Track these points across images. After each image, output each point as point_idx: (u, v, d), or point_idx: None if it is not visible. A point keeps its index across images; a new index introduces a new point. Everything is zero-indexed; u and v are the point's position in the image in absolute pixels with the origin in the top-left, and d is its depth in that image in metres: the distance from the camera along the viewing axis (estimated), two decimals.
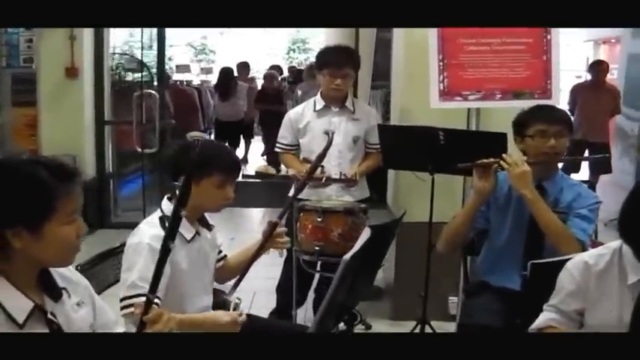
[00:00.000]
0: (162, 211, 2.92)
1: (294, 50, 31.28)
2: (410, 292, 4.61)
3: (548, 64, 4.46)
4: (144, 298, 2.19)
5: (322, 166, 4.06)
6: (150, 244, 2.74)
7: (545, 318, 2.64)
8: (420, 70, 4.63)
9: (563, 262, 2.67)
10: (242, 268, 3.14)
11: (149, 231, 2.82)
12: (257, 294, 5.23)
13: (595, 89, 8.80)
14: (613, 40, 13.50)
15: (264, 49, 28.44)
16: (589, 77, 9.21)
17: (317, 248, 3.98)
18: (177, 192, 2.62)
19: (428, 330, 4.35)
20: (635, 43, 9.90)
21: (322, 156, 3.33)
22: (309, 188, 4.30)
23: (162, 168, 3.58)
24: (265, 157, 11.97)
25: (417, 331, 4.34)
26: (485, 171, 3.34)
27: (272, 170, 4.27)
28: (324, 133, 3.72)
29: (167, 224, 2.22)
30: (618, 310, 2.50)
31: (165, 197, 2.98)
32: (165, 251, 2.10)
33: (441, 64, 4.48)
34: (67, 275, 2.14)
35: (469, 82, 4.47)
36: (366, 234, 2.40)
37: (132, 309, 2.49)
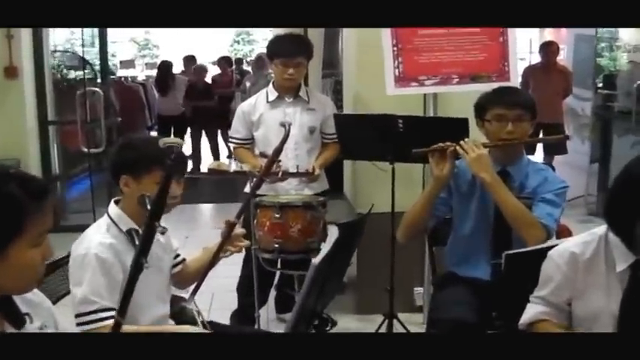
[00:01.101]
0: (109, 216, 2.75)
1: (238, 42, 31.12)
2: (374, 284, 4.50)
3: (504, 46, 4.35)
4: (111, 322, 2.05)
5: (279, 161, 3.90)
6: (97, 255, 2.59)
7: (535, 311, 2.54)
8: (374, 56, 4.49)
9: (538, 252, 2.57)
10: (201, 272, 2.97)
11: (96, 239, 2.65)
12: (216, 295, 5.07)
13: (546, 70, 8.80)
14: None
15: (209, 41, 28.14)
16: (534, 60, 9.20)
17: (276, 245, 3.83)
18: (146, 202, 2.47)
19: (396, 323, 4.24)
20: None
21: (279, 150, 3.18)
22: (265, 183, 4.15)
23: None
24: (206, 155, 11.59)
25: (385, 325, 4.23)
26: (442, 156, 3.23)
27: (225, 166, 4.11)
28: (281, 125, 3.56)
29: (135, 238, 2.04)
30: (606, 299, 2.41)
31: (112, 201, 2.80)
32: (137, 269, 1.92)
33: (395, 49, 4.34)
34: (29, 298, 1.92)
35: (425, 66, 4.34)
36: (333, 234, 2.25)
37: (91, 326, 2.46)
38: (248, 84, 10.37)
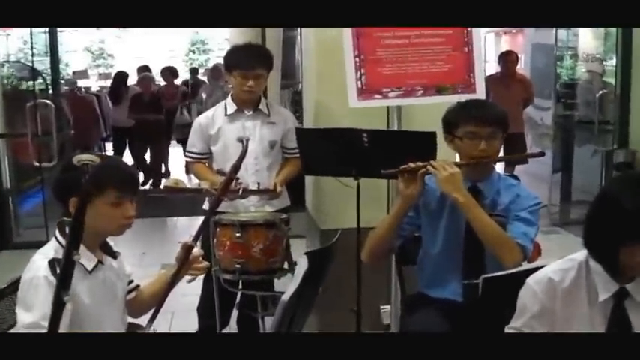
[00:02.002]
0: (57, 239, 2.58)
1: (193, 52, 30.85)
2: (339, 303, 4.34)
3: (470, 56, 4.23)
4: None
5: (237, 178, 3.74)
6: (46, 277, 2.44)
7: None
8: (335, 67, 4.34)
9: (517, 275, 2.45)
10: (158, 298, 2.79)
11: (44, 263, 2.48)
12: (175, 314, 4.88)
13: (506, 80, 8.76)
14: (514, 31, 13.61)
15: (164, 51, 27.85)
16: (488, 70, 9.19)
17: (238, 266, 3.69)
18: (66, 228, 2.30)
19: None
20: (539, 33, 9.93)
21: (237, 167, 3.02)
22: (224, 201, 3.98)
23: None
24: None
25: None
26: (412, 176, 3.10)
27: (182, 184, 3.94)
28: (238, 141, 3.40)
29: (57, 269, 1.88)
30: (589, 330, 2.28)
31: (58, 223, 2.62)
32: (59, 305, 1.75)
33: (358, 60, 4.20)
34: None
35: (389, 78, 4.20)
36: (302, 265, 2.09)
37: None
38: (204, 95, 10.17)
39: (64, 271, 1.75)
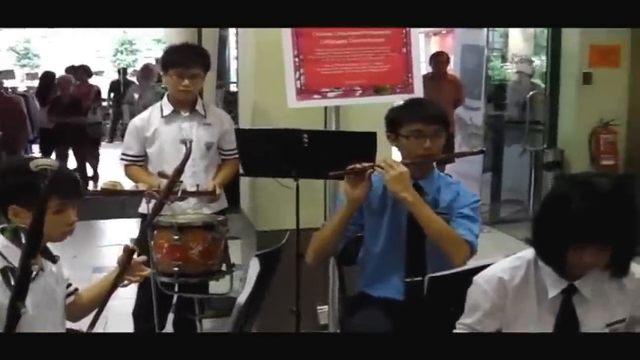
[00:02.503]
0: None
1: (121, 52, 30.45)
2: (277, 304, 4.30)
3: (408, 57, 4.25)
4: None
5: (180, 181, 3.67)
6: None
7: None
8: (273, 67, 4.32)
9: (462, 274, 2.46)
10: (98, 303, 2.72)
11: None
12: (110, 319, 4.75)
13: (437, 81, 8.82)
14: (444, 32, 13.75)
15: (91, 51, 27.41)
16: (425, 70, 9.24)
17: (176, 269, 3.62)
18: (21, 236, 2.21)
19: None
20: (469, 34, 10.03)
21: (180, 170, 2.96)
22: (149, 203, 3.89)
23: None
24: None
25: None
26: (359, 177, 3.08)
27: (121, 186, 3.85)
28: (181, 143, 3.34)
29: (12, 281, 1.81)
30: (539, 326, 2.32)
31: None
32: (13, 316, 1.68)
33: (297, 60, 4.17)
34: None
35: (327, 78, 4.18)
36: (255, 267, 2.06)
37: None
38: (136, 95, 10.03)
39: (20, 281, 1.67)
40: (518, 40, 10.53)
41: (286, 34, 4.10)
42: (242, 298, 1.91)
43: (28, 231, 1.69)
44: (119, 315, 4.55)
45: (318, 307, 4.69)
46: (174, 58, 4.16)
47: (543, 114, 8.30)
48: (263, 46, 4.55)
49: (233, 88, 11.07)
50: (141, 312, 4.22)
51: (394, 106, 3.36)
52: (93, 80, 12.16)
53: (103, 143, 11.21)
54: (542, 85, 9.00)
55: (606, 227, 2.13)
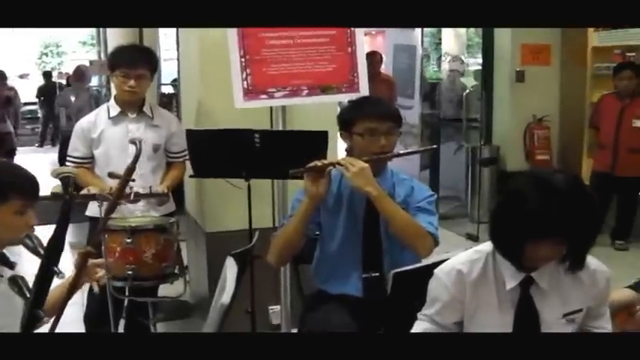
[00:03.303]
0: None
1: (46, 54, 29.81)
2: (232, 305, 4.29)
3: (353, 56, 4.29)
4: None
5: (133, 180, 3.63)
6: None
7: (421, 329, 2.46)
8: (218, 68, 4.31)
9: (426, 269, 2.50)
10: (56, 309, 2.67)
11: None
12: (61, 326, 4.67)
13: (371, 80, 8.79)
14: (374, 32, 13.82)
15: (16, 54, 26.76)
16: None
17: (129, 272, 3.59)
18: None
19: None
20: (400, 34, 10.14)
21: (132, 169, 2.92)
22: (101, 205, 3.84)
23: None
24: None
25: None
26: (319, 174, 3.09)
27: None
28: (131, 142, 3.29)
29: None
30: (499, 317, 2.39)
31: None
32: (32, 321, 1.65)
33: (243, 60, 4.16)
34: None
35: (274, 78, 4.18)
36: (232, 267, 2.06)
37: None
38: (73, 98, 9.83)
39: (39, 286, 1.66)
40: (451, 39, 10.68)
41: (232, 34, 4.08)
42: (226, 299, 1.90)
43: (52, 237, 1.67)
44: (69, 323, 4.46)
45: (270, 307, 4.70)
46: (120, 58, 4.12)
47: (479, 111, 8.44)
48: (207, 46, 4.54)
49: (164, 89, 10.98)
50: (92, 318, 4.15)
51: (346, 105, 3.39)
52: (18, 83, 11.83)
53: (33, 147, 10.94)
54: (471, 85, 9.17)
55: (563, 224, 2.18)
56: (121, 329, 4.36)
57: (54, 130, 14.50)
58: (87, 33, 23.47)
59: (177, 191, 4.77)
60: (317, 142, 3.51)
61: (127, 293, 3.84)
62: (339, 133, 3.35)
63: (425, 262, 2.80)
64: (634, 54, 7.42)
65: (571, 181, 2.26)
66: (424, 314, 2.49)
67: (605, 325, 2.59)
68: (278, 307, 4.48)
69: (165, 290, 4.29)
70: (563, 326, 2.43)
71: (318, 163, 3.06)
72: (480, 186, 8.00)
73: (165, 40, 10.78)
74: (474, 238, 7.18)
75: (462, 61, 10.34)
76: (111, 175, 3.82)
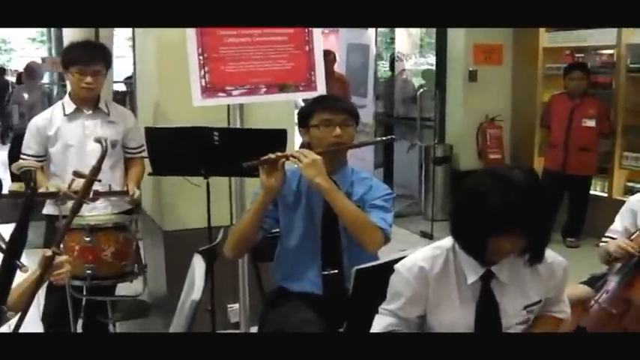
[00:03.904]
0: None
1: None
2: None
3: (311, 55, 4.31)
4: None
5: (99, 180, 3.59)
6: None
7: (385, 323, 2.51)
8: (175, 66, 4.30)
9: (389, 265, 2.53)
10: (20, 304, 2.64)
11: None
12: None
13: (325, 79, 8.88)
14: (327, 31, 13.85)
15: None
16: None
17: (89, 271, 3.57)
18: None
19: None
20: (353, 33, 10.19)
21: (98, 169, 2.91)
22: (62, 204, 3.80)
23: None
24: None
25: None
26: (273, 167, 3.11)
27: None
28: (96, 141, 3.26)
29: None
30: (460, 311, 2.44)
31: None
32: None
33: (201, 58, 4.16)
34: None
35: (232, 76, 4.18)
36: (200, 264, 2.07)
37: None
38: (26, 96, 9.69)
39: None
40: (404, 38, 10.76)
41: (190, 32, 4.08)
42: (197, 295, 1.90)
43: (15, 231, 1.65)
44: (24, 324, 4.41)
45: (229, 306, 4.70)
46: (75, 55, 4.08)
47: (432, 111, 8.52)
48: (164, 44, 4.52)
49: (116, 87, 10.87)
50: (50, 317, 4.11)
51: (305, 102, 3.43)
52: None
53: None
54: (420, 84, 9.24)
55: (523, 217, 2.24)
56: (79, 328, 4.36)
57: (4, 128, 14.29)
58: (36, 29, 23.10)
59: None
60: (276, 140, 3.53)
61: (85, 292, 3.82)
62: (298, 130, 3.38)
63: (387, 258, 2.83)
64: (583, 55, 7.59)
65: (528, 175, 2.32)
66: (386, 309, 2.53)
67: (564, 309, 2.69)
68: (237, 305, 4.49)
69: (123, 289, 4.27)
70: (523, 318, 2.50)
71: (272, 155, 3.09)
72: (433, 184, 8.09)
73: (115, 38, 10.67)
74: (429, 236, 7.26)
75: (415, 61, 10.44)
76: (76, 173, 3.79)
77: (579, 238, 7.12)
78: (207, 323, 4.05)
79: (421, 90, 8.91)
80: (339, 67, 10.14)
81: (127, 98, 9.45)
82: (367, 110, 9.30)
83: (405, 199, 8.82)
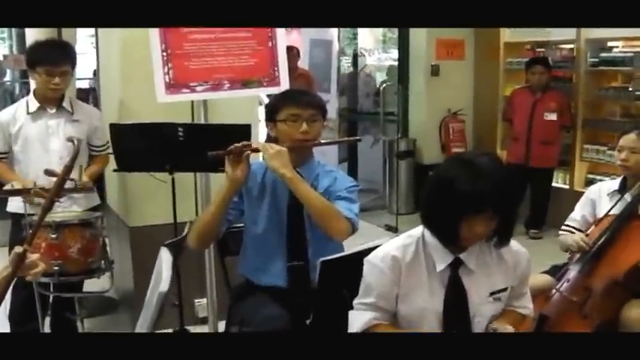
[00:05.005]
0: None
1: None
2: None
3: (274, 50, 4.34)
4: None
5: (72, 179, 3.58)
6: None
7: (366, 318, 2.55)
8: (139, 62, 4.32)
9: (354, 256, 2.58)
10: None
11: None
12: None
13: (289, 75, 8.90)
14: (289, 29, 13.85)
15: None
16: None
17: (56, 268, 3.57)
18: None
19: None
20: (316, 30, 10.23)
21: (70, 167, 2.91)
22: (29, 201, 3.79)
23: None
24: None
25: None
26: (238, 157, 3.13)
27: None
28: (68, 140, 3.26)
29: None
30: (430, 299, 2.51)
31: None
32: None
33: (165, 54, 4.17)
34: None
35: (196, 72, 4.21)
36: (167, 257, 2.09)
37: None
38: None
39: None
40: (367, 34, 10.82)
41: (154, 29, 4.09)
42: (164, 287, 1.93)
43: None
44: None
45: (196, 301, 4.72)
46: (42, 55, 4.06)
47: (395, 105, 8.58)
48: (128, 41, 4.52)
49: (79, 84, 10.78)
50: (17, 315, 4.11)
51: (273, 97, 3.45)
52: None
53: None
54: (383, 79, 9.28)
55: (492, 198, 2.32)
56: (47, 325, 4.35)
57: None
58: None
59: (98, 186, 4.75)
60: (240, 134, 3.54)
61: (52, 289, 3.82)
62: (265, 125, 3.41)
63: (351, 250, 2.87)
64: (544, 49, 7.71)
65: (492, 159, 2.41)
66: (364, 303, 2.57)
67: (527, 304, 2.76)
68: (204, 300, 4.52)
69: (90, 286, 4.27)
70: (490, 305, 2.57)
71: (238, 145, 3.11)
72: (397, 178, 8.15)
73: (77, 35, 10.59)
74: (393, 230, 7.31)
75: (377, 56, 10.50)
76: (48, 172, 3.78)
77: (542, 230, 7.23)
78: (175, 319, 4.08)
79: (384, 85, 8.96)
80: (301, 63, 10.19)
81: (90, 95, 9.39)
82: (331, 106, 9.33)
83: (370, 193, 8.88)
